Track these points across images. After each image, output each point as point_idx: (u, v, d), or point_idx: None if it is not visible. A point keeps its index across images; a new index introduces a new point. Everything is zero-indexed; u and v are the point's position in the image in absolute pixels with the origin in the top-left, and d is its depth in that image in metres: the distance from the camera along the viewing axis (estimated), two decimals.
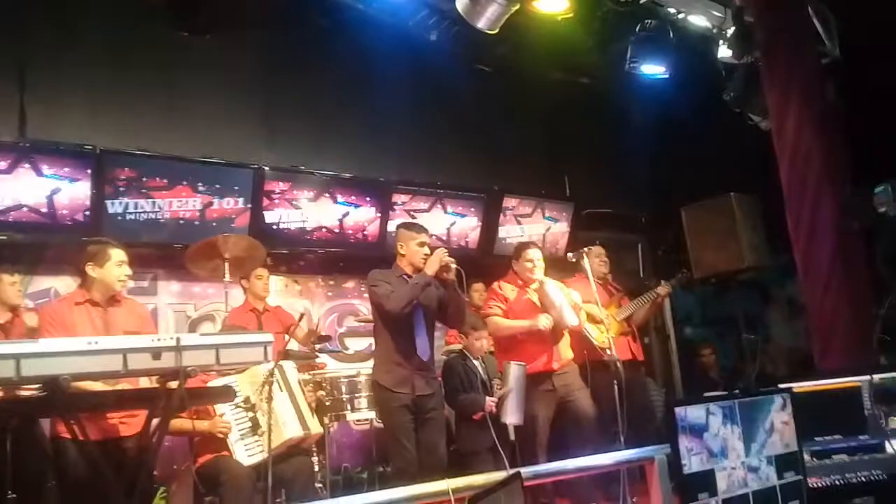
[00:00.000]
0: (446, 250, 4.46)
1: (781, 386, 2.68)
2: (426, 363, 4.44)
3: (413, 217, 6.58)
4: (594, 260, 5.73)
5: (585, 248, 5.19)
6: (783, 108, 4.50)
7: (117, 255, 3.93)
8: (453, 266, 4.38)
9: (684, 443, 2.29)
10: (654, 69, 6.11)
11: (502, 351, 5.14)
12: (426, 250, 4.48)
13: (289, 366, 4.64)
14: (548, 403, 4.90)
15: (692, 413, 2.34)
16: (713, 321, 8.68)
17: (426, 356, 4.43)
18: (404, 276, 4.50)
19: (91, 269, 3.90)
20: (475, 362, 5.29)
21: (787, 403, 2.57)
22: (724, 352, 8.00)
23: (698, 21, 5.89)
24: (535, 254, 5.12)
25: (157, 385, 3.27)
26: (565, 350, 5.06)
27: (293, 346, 4.96)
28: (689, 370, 7.92)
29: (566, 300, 4.96)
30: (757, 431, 2.46)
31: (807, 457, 2.66)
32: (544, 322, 4.84)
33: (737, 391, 2.67)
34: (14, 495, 3.65)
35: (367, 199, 6.54)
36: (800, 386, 2.75)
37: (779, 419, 2.53)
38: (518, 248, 5.26)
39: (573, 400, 4.90)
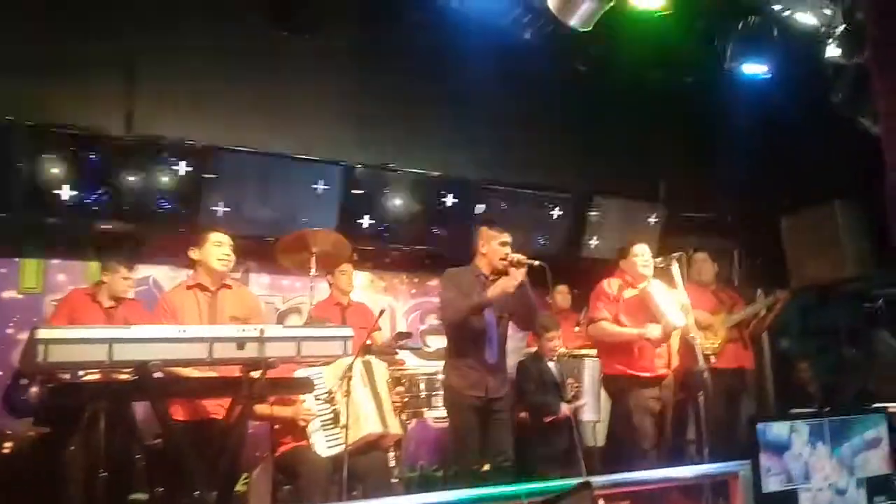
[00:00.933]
0: (521, 255, 4.38)
1: (876, 405, 2.51)
2: (496, 364, 4.40)
3: (499, 216, 6.54)
4: (703, 265, 5.57)
5: (676, 254, 5.01)
6: (893, 111, 4.23)
7: (215, 236, 4.14)
8: (526, 262, 4.31)
9: (766, 459, 2.18)
10: (756, 69, 5.86)
11: (606, 355, 4.99)
12: (507, 250, 4.42)
13: (378, 363, 4.70)
14: (652, 409, 4.73)
15: (776, 429, 2.22)
16: (813, 333, 8.28)
17: (494, 358, 4.38)
18: (481, 276, 4.46)
19: (193, 253, 4.14)
20: (549, 364, 5.22)
21: (882, 424, 2.41)
22: (823, 366, 7.60)
23: (805, 19, 5.58)
24: (642, 248, 4.98)
25: (240, 374, 3.37)
26: (675, 356, 4.90)
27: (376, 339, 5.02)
28: (785, 384, 7.58)
29: (672, 301, 4.77)
30: (848, 452, 2.32)
31: None
32: (654, 332, 4.67)
33: (827, 409, 2.52)
34: (105, 474, 3.83)
35: (455, 197, 6.54)
36: None
37: (873, 440, 2.38)
38: (625, 246, 5.13)
39: (666, 411, 4.77)
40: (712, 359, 4.86)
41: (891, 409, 2.47)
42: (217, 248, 4.10)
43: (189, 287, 4.13)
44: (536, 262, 4.35)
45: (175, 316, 3.98)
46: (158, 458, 4.07)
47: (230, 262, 4.17)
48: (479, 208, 6.59)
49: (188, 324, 3.85)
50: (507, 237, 4.49)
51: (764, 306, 5.72)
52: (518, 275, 4.31)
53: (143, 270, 5.80)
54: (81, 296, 4.87)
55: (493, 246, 4.45)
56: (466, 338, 4.37)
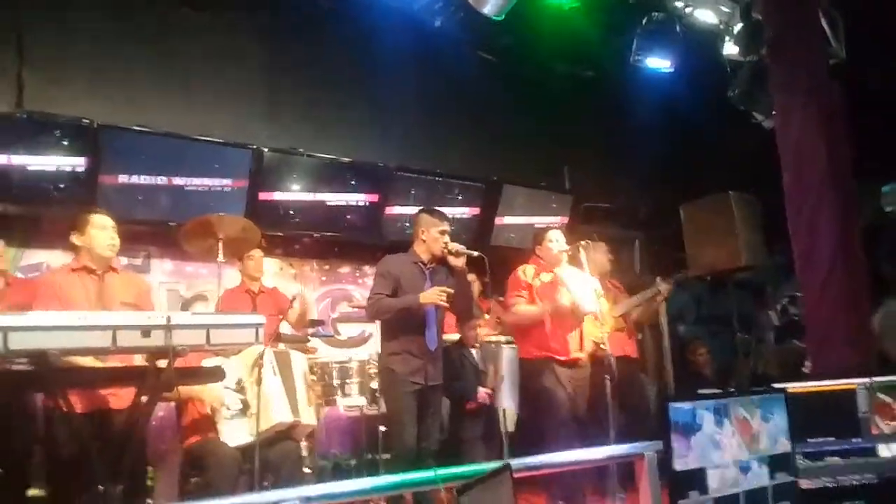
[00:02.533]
0: (461, 245, 4.43)
1: (776, 386, 2.65)
2: (436, 352, 4.41)
3: (409, 204, 6.54)
4: (597, 254, 5.69)
5: (582, 242, 5.11)
6: (788, 107, 4.45)
7: (100, 220, 3.86)
8: (465, 253, 4.35)
9: (676, 440, 2.27)
10: (659, 63, 6.07)
11: (521, 340, 5.05)
12: (447, 238, 4.43)
13: (296, 354, 4.62)
14: (568, 389, 4.78)
15: (685, 410, 2.31)
16: (708, 319, 8.68)
17: (434, 345, 4.39)
18: (419, 264, 4.46)
19: (75, 238, 3.86)
20: (472, 351, 5.27)
21: (782, 404, 2.54)
22: (718, 351, 7.98)
23: (706, 16, 5.83)
24: (557, 234, 5.06)
25: (146, 363, 3.24)
26: (587, 341, 4.97)
27: (286, 329, 4.94)
28: (683, 368, 7.90)
29: (584, 287, 4.86)
30: (750, 431, 2.44)
31: (799, 458, 2.64)
32: (564, 299, 4.72)
33: (731, 390, 2.64)
34: (1, 470, 3.63)
35: (366, 184, 6.49)
36: (794, 386, 2.72)
37: (772, 419, 2.51)
38: (538, 232, 5.20)
39: (579, 394, 4.84)
40: (601, 346, 4.97)
41: (790, 390, 2.61)
42: (102, 233, 3.84)
43: (74, 270, 3.85)
44: (475, 253, 4.40)
45: (61, 300, 3.71)
46: (57, 451, 3.86)
47: (117, 247, 3.91)
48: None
49: (76, 308, 3.58)
50: (447, 226, 4.50)
51: (646, 297, 5.91)
52: (458, 263, 4.34)
53: (37, 255, 5.49)
54: None
55: (433, 233, 4.44)
56: (406, 326, 4.35)
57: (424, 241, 4.47)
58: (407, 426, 4.27)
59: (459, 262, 4.40)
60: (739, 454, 2.39)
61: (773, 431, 2.51)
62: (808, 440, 2.73)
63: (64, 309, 3.53)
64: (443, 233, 4.44)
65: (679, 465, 2.26)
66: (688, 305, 8.81)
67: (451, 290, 4.25)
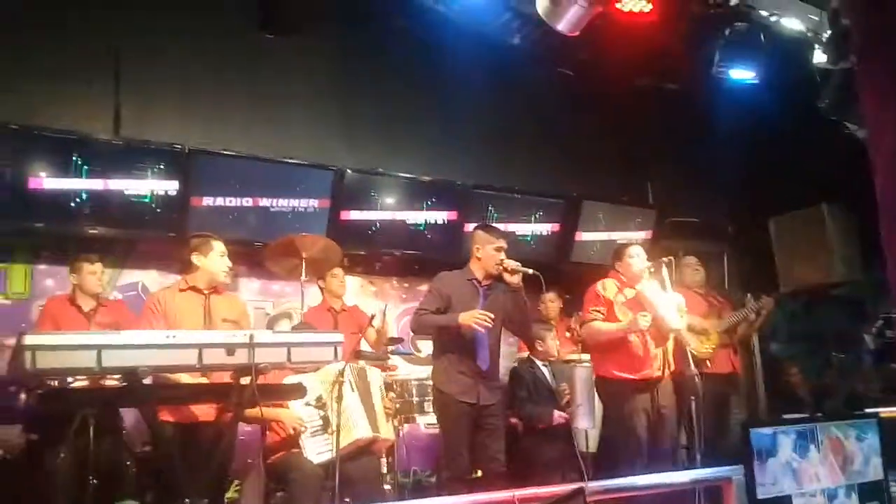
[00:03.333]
0: (516, 263, 4.38)
1: (868, 411, 2.52)
2: (489, 372, 4.36)
3: (490, 221, 6.54)
4: (687, 269, 5.56)
5: (665, 259, 4.99)
6: (880, 116, 4.25)
7: (219, 246, 4.20)
8: (521, 270, 4.30)
9: (759, 465, 2.18)
10: (743, 74, 5.88)
11: (600, 358, 4.87)
12: (502, 255, 4.39)
13: (372, 370, 4.69)
14: (646, 413, 4.62)
15: (769, 435, 2.22)
16: (802, 337, 8.31)
17: (486, 366, 4.33)
18: (473, 281, 4.44)
19: (196, 259, 4.16)
20: (543, 369, 5.21)
21: (874, 429, 2.41)
22: (813, 370, 7.64)
23: (792, 24, 5.61)
24: (637, 250, 4.93)
25: (230, 380, 3.35)
26: (671, 360, 4.80)
27: (365, 346, 5.01)
28: (775, 388, 7.61)
29: (668, 303, 4.71)
30: (839, 457, 2.33)
31: (893, 487, 2.49)
32: (643, 322, 4.52)
33: (819, 414, 2.53)
34: (95, 481, 3.80)
35: (444, 202, 6.54)
36: (888, 411, 2.58)
37: (865, 445, 2.38)
38: (619, 248, 5.08)
39: (665, 410, 4.68)
40: (708, 363, 4.82)
41: (883, 414, 2.48)
42: (222, 259, 4.18)
43: (182, 290, 4.15)
44: (531, 271, 4.34)
45: (167, 317, 3.97)
46: (148, 464, 4.03)
47: (229, 274, 4.28)
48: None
49: (186, 326, 3.90)
50: (503, 242, 4.45)
51: (752, 311, 5.72)
52: (513, 281, 4.31)
53: (132, 275, 5.76)
54: (59, 302, 4.81)
55: (489, 251, 4.40)
56: (456, 344, 4.33)
57: (480, 259, 4.43)
58: (458, 448, 4.23)
59: (515, 280, 4.32)
60: (827, 481, 2.27)
61: (865, 457, 2.38)
62: None
63: (174, 326, 3.84)
64: (499, 249, 4.39)
65: (761, 492, 2.17)
66: (780, 323, 8.48)
67: (492, 317, 4.16)
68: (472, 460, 4.25)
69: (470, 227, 6.48)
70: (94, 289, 4.75)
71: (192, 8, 5.90)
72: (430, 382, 4.95)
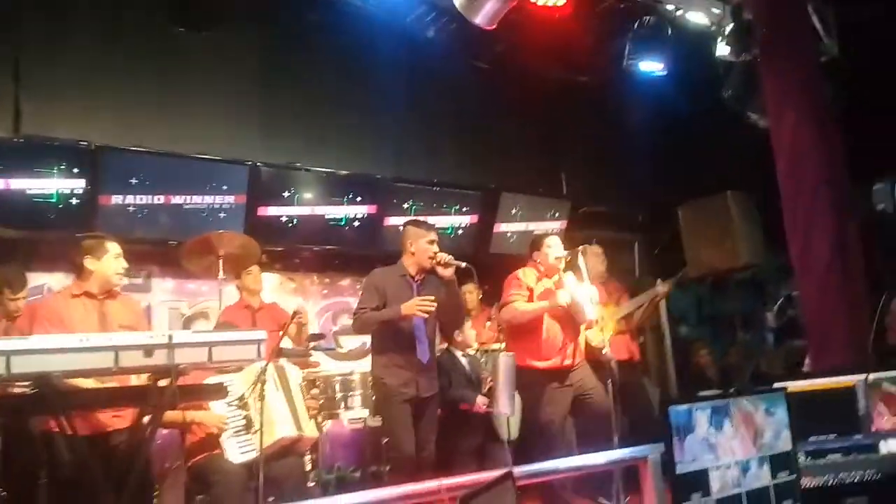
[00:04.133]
0: (449, 255, 4.43)
1: (776, 385, 2.66)
2: (427, 364, 4.42)
3: (408, 215, 6.56)
4: (592, 258, 5.68)
5: (581, 247, 5.12)
6: (781, 106, 4.48)
7: (114, 248, 3.95)
8: (454, 264, 4.35)
9: (678, 442, 2.27)
10: (651, 66, 6.08)
11: (514, 348, 4.86)
12: (435, 248, 4.43)
13: (291, 367, 4.64)
14: (562, 401, 4.77)
15: (686, 412, 2.31)
16: (709, 320, 8.68)
17: (426, 358, 4.39)
18: (407, 276, 4.47)
19: (89, 263, 3.91)
20: (462, 360, 5.28)
21: (782, 402, 2.54)
22: (720, 351, 7.99)
23: (697, 18, 5.85)
24: (555, 240, 5.03)
25: (148, 382, 3.25)
26: (581, 348, 4.95)
27: (287, 343, 4.95)
28: (685, 369, 7.91)
29: (584, 295, 4.84)
30: (751, 431, 2.44)
31: (801, 457, 2.64)
32: (564, 298, 4.67)
33: (731, 390, 2.64)
34: (4, 493, 3.63)
35: (363, 196, 6.51)
36: (795, 385, 2.73)
37: (773, 419, 2.51)
38: (536, 238, 5.16)
39: (589, 396, 4.81)
40: (604, 351, 4.96)
41: (790, 389, 2.61)
42: (116, 262, 3.93)
43: (75, 295, 3.91)
44: (463, 264, 4.40)
45: (63, 325, 3.75)
46: (63, 475, 3.87)
47: (124, 274, 4.02)
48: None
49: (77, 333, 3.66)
50: (434, 235, 4.49)
51: (646, 298, 5.93)
52: (446, 274, 4.35)
53: (38, 278, 5.50)
54: None
55: (422, 245, 4.43)
56: (394, 338, 4.37)
57: (413, 254, 4.47)
58: (403, 437, 4.29)
59: (448, 273, 4.38)
60: (742, 454, 2.39)
61: (775, 430, 2.51)
62: (810, 438, 2.73)
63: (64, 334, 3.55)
64: (431, 242, 4.44)
65: (680, 467, 2.26)
66: (689, 307, 8.82)
67: (432, 300, 4.24)
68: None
69: (390, 220, 6.52)
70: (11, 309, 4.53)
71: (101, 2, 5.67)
72: (354, 377, 4.95)
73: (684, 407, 2.32)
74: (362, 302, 4.45)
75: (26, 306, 4.75)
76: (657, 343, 8.19)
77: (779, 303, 7.69)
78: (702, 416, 2.32)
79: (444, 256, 4.38)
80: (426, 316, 4.29)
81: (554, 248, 4.96)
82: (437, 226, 6.63)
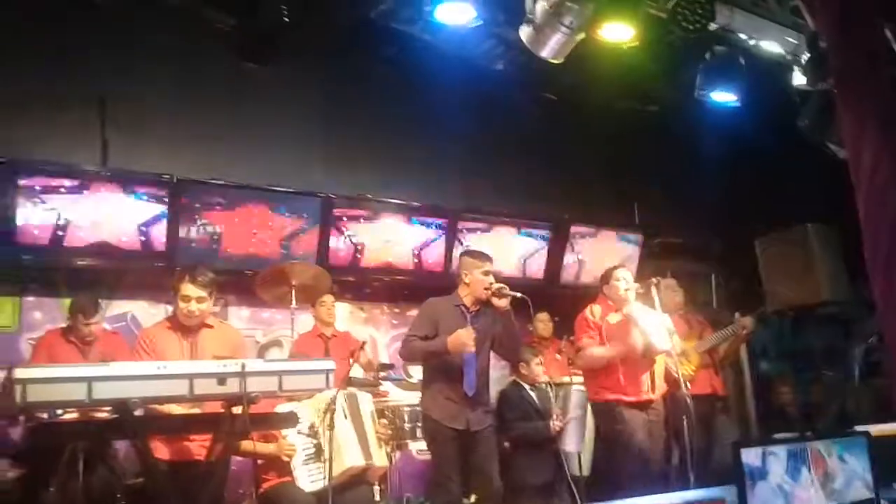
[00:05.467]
0: (503, 285, 4.38)
1: (858, 428, 2.54)
2: (476, 397, 4.32)
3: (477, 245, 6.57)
4: (667, 291, 5.58)
5: (654, 279, 5.02)
6: (858, 136, 4.29)
7: (184, 289, 3.92)
8: (509, 294, 4.31)
9: (750, 487, 2.19)
10: (724, 97, 5.96)
11: (592, 383, 4.91)
12: (490, 279, 4.39)
13: (363, 395, 4.67)
14: (644, 430, 4.67)
15: (758, 454, 2.23)
16: (790, 355, 8.36)
17: (472, 391, 4.29)
18: (461, 307, 4.42)
19: (174, 297, 4.00)
20: (530, 392, 5.23)
21: (864, 447, 2.43)
22: (802, 388, 7.68)
23: (771, 47, 5.71)
24: (624, 273, 4.96)
25: (222, 410, 3.34)
26: (660, 381, 4.87)
27: (357, 373, 5.00)
28: (766, 407, 7.64)
29: (657, 325, 4.76)
30: (830, 476, 2.34)
31: None
32: (637, 340, 4.63)
33: (809, 433, 2.54)
34: None
35: (432, 227, 6.57)
36: (878, 429, 2.60)
37: (855, 463, 2.40)
38: (607, 271, 5.09)
39: (657, 437, 4.74)
40: (688, 385, 4.84)
41: (873, 433, 2.50)
42: (184, 304, 3.91)
43: (169, 327, 4.02)
44: (519, 294, 4.34)
45: (155, 354, 3.87)
46: (140, 497, 3.99)
47: (195, 318, 3.96)
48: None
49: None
50: (489, 266, 4.46)
51: (731, 332, 5.76)
52: (501, 304, 4.32)
53: (121, 306, 5.74)
54: (56, 335, 4.81)
55: (476, 275, 4.40)
56: (442, 369, 4.31)
57: (468, 284, 4.42)
58: (448, 473, 4.18)
59: (503, 303, 4.30)
60: (816, 500, 2.28)
61: (855, 476, 2.39)
62: (894, 485, 2.60)
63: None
64: (486, 273, 4.39)
65: None
66: (769, 341, 8.52)
67: (475, 335, 4.16)
68: (465, 485, 4.22)
69: (458, 251, 6.54)
70: (84, 333, 4.72)
71: (174, 42, 5.95)
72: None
73: (757, 449, 2.24)
74: (412, 329, 4.43)
75: (105, 332, 4.96)
76: (737, 378, 7.94)
77: (871, 340, 7.35)
78: (776, 462, 2.23)
79: (499, 286, 4.35)
80: (470, 351, 4.20)
81: (623, 282, 4.88)
82: (505, 256, 6.75)
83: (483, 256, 4.55)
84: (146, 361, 3.76)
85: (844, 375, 7.82)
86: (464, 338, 4.13)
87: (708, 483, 3.56)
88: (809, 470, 2.30)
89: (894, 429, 2.73)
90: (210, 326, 4.06)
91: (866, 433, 2.50)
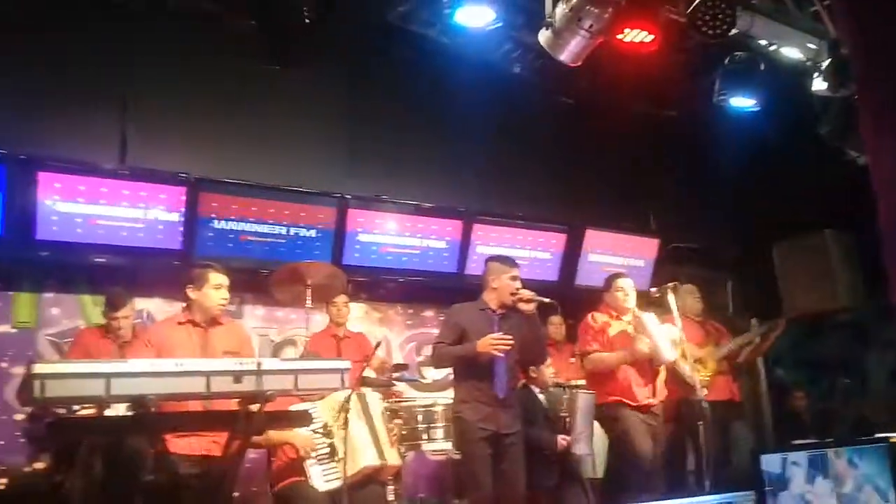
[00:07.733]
0: (532, 292, 4.41)
1: (878, 436, 2.52)
2: (506, 399, 4.34)
3: (492, 248, 6.58)
4: (687, 297, 5.58)
5: (671, 284, 5.01)
6: (879, 143, 4.27)
7: (215, 278, 4.03)
8: (536, 300, 4.33)
9: (770, 496, 2.17)
10: (744, 102, 5.93)
11: (597, 384, 5.00)
12: (518, 284, 4.41)
13: (372, 395, 4.68)
14: (647, 435, 4.77)
15: (779, 461, 2.22)
16: (807, 363, 8.30)
17: (503, 393, 4.31)
18: (488, 311, 4.44)
19: (190, 292, 4.04)
20: (539, 396, 5.21)
21: (885, 454, 2.41)
22: (817, 395, 7.62)
23: (791, 53, 5.68)
24: (625, 283, 5.01)
25: (238, 407, 3.35)
26: (661, 387, 4.94)
27: (370, 373, 5.01)
28: (781, 413, 7.59)
29: (663, 335, 4.82)
30: (849, 484, 2.32)
31: None
32: (643, 346, 4.72)
33: (829, 440, 2.51)
34: None
35: (448, 228, 6.57)
36: None
37: (875, 472, 2.38)
38: (608, 278, 5.16)
39: (658, 441, 4.82)
40: (703, 391, 4.85)
41: (894, 440, 2.47)
42: (216, 292, 4.01)
43: (181, 323, 4.06)
44: (547, 300, 4.37)
45: (162, 350, 3.88)
46: (156, 493, 4.01)
47: (226, 304, 4.10)
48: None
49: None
50: (517, 271, 4.47)
51: (757, 335, 5.73)
52: (528, 309, 4.33)
53: (138, 304, 5.75)
54: (92, 332, 4.90)
55: (504, 280, 4.41)
56: (473, 372, 4.32)
57: (495, 289, 4.44)
58: (480, 475, 4.19)
59: (530, 308, 4.35)
60: None
61: (875, 484, 2.37)
62: None
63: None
64: (513, 279, 4.41)
65: None
66: (785, 348, 8.46)
67: (508, 338, 4.19)
68: (494, 487, 4.22)
69: (474, 253, 6.55)
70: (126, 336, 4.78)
71: (195, 43, 5.98)
72: (437, 409, 4.95)
73: (776, 456, 2.22)
74: (440, 336, 4.45)
75: (144, 329, 4.98)
76: (752, 385, 7.89)
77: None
78: (798, 471, 2.21)
79: (527, 293, 4.35)
80: (500, 354, 4.23)
81: (622, 292, 4.94)
82: (519, 259, 6.73)
83: (510, 262, 4.56)
84: (149, 357, 3.78)
85: (861, 383, 7.77)
86: (493, 340, 4.17)
87: (725, 489, 3.54)
88: (829, 478, 2.28)
89: None
90: (221, 323, 4.12)
91: (887, 440, 2.47)
